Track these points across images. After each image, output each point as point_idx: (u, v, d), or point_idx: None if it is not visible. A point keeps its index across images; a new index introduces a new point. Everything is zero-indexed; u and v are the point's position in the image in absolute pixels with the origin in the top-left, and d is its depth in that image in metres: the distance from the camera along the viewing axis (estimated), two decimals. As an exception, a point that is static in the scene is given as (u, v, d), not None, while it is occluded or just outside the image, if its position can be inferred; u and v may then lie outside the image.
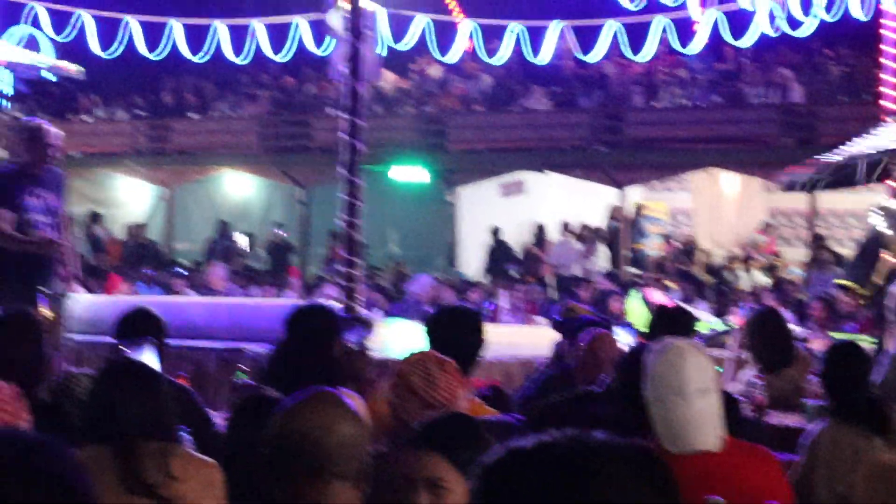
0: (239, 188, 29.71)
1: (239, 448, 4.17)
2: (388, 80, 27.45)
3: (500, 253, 25.02)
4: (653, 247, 24.80)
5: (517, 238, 25.95)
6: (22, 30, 29.87)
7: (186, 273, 20.89)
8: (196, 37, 21.72)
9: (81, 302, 11.07)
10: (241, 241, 27.06)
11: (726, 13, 20.48)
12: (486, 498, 1.79)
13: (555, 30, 22.85)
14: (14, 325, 5.21)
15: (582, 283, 20.59)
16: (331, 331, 6.33)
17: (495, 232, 25.25)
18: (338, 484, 3.14)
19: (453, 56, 23.68)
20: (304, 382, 3.50)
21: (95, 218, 27.36)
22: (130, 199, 30.41)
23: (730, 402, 4.81)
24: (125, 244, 26.68)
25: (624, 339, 7.39)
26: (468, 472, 3.49)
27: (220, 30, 21.21)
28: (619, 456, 1.78)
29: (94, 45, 19.70)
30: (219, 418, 6.33)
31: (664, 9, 19.98)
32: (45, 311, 7.03)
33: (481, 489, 1.81)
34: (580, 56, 23.62)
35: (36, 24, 19.22)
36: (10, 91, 32.09)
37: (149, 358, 5.54)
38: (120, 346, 5.84)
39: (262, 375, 6.07)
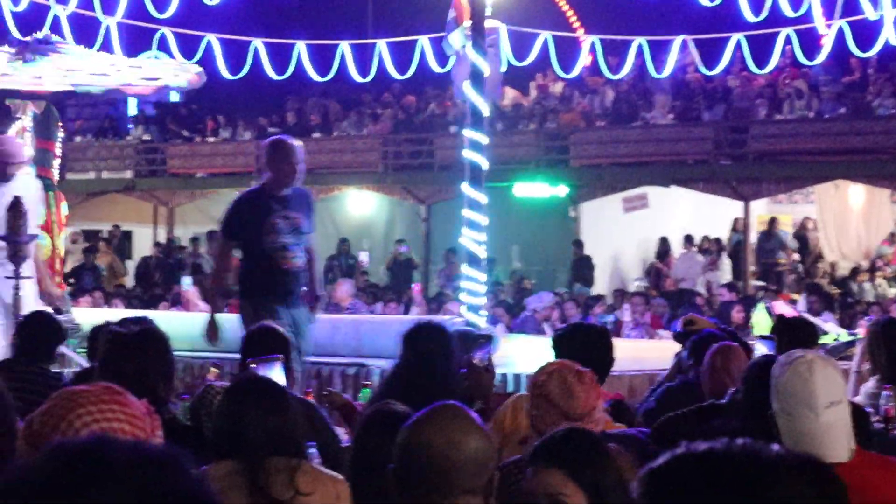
0: (361, 206, 29.93)
1: (366, 462, 4.20)
2: (510, 96, 27.50)
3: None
4: (779, 259, 24.51)
5: (640, 253, 25.82)
6: (149, 54, 30.50)
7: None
8: (321, 57, 21.94)
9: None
10: (363, 258, 27.25)
11: (851, 24, 20.18)
12: (653, 500, 1.79)
13: (678, 43, 22.71)
14: (145, 340, 5.29)
15: (704, 295, 20.45)
16: (448, 348, 6.33)
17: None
18: (466, 499, 3.15)
19: (575, 72, 23.63)
20: (424, 399, 3.52)
21: (214, 236, 27.69)
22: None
23: (859, 413, 4.75)
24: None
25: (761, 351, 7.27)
26: (588, 487, 3.49)
27: (345, 50, 21.41)
28: (792, 466, 1.77)
29: (221, 67, 20.00)
30: (344, 434, 6.39)
31: (788, 21, 19.75)
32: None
33: (648, 492, 1.81)
34: (703, 70, 23.44)
35: (164, 48, 19.58)
36: (134, 112, 32.79)
37: (276, 375, 5.60)
38: (248, 364, 5.91)
39: (384, 392, 6.11)
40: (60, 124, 12.95)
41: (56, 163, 12.58)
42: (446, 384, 5.71)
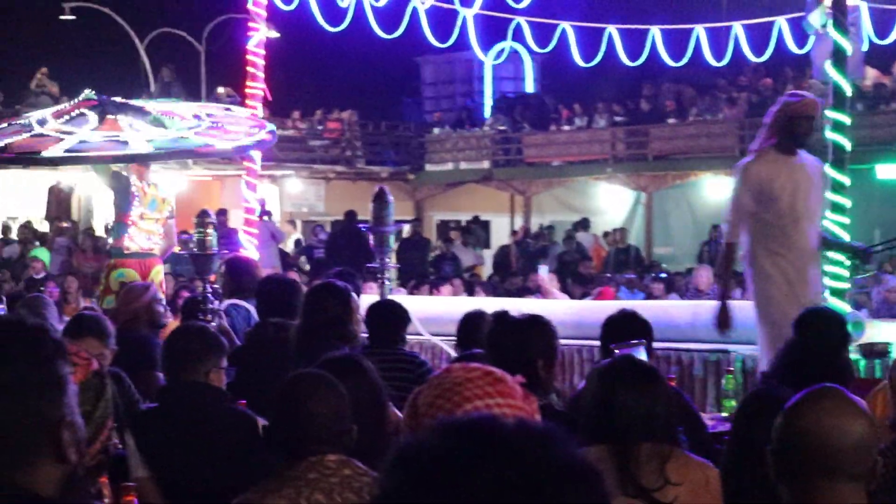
0: (717, 191, 29.53)
1: (744, 446, 4.12)
2: (871, 76, 26.56)
3: None
4: None
5: None
6: (504, 45, 30.95)
7: (666, 276, 20.94)
8: (675, 42, 21.75)
9: (565, 307, 11.29)
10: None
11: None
12: None
13: None
14: (530, 324, 5.37)
15: None
16: (843, 335, 6.21)
17: None
18: (850, 485, 3.05)
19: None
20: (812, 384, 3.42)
21: (581, 225, 27.85)
22: (610, 205, 30.83)
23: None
24: (608, 250, 27.07)
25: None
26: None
27: (700, 34, 21.16)
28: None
29: (575, 55, 20.09)
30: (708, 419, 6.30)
31: None
32: None
33: None
34: None
35: (519, 38, 19.81)
36: (490, 103, 33.32)
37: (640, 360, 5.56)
38: (612, 348, 5.90)
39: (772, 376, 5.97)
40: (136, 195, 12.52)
41: (132, 231, 12.21)
42: (837, 371, 5.53)
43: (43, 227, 25.27)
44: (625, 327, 6.38)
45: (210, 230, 9.40)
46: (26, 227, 22.55)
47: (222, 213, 22.54)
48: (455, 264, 25.10)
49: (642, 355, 5.79)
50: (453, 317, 8.14)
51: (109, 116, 11.87)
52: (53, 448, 2.41)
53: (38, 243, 21.56)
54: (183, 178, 28.99)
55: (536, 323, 5.42)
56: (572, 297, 17.69)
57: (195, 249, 9.52)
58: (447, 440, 1.67)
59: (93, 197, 28.51)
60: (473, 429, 1.68)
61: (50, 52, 30.57)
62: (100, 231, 25.15)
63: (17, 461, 2.38)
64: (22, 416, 2.39)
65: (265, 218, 22.96)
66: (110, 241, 12.79)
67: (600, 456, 4.17)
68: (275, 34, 27.88)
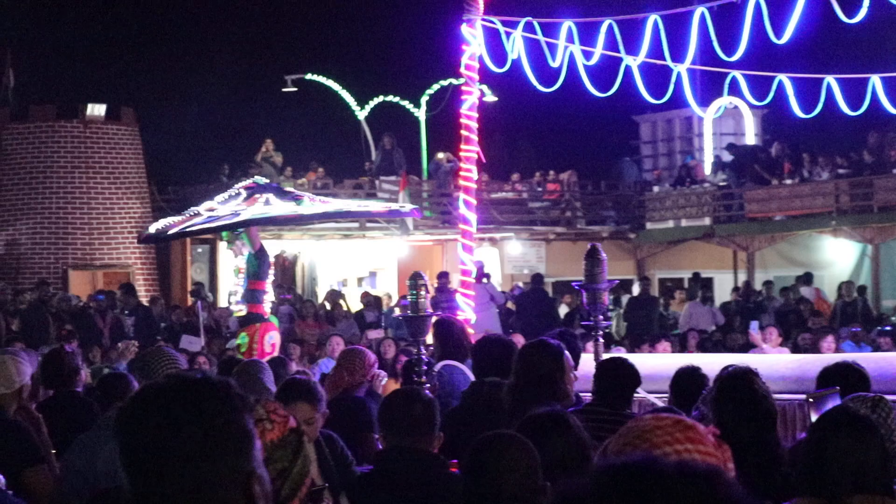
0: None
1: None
2: None
3: None
4: None
5: None
6: (723, 101, 30.63)
7: (894, 330, 20.32)
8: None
9: (786, 361, 11.04)
10: None
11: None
12: None
13: None
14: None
15: None
16: None
17: None
18: None
19: None
20: None
21: (803, 279, 27.25)
22: (835, 258, 30.15)
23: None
24: (835, 303, 26.40)
25: None
26: None
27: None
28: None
29: (794, 106, 19.74)
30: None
31: None
32: None
33: None
34: None
35: (735, 90, 19.58)
36: (711, 160, 32.95)
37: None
38: (807, 397, 5.73)
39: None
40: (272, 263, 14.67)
41: (267, 297, 14.12)
42: None
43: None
44: (840, 378, 6.19)
45: (422, 292, 9.47)
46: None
47: (443, 275, 22.75)
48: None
49: (836, 402, 5.60)
50: (668, 374, 8.03)
51: (256, 195, 13.67)
52: (245, 502, 2.44)
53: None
54: (404, 243, 29.42)
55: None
56: (797, 350, 17.31)
57: (409, 312, 9.60)
58: (605, 479, 1.66)
59: (316, 265, 29.13)
60: (632, 468, 1.67)
61: (273, 125, 31.49)
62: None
63: None
64: (221, 472, 2.42)
65: (484, 280, 23.08)
66: (243, 307, 13.97)
67: (812, 509, 4.05)
68: (493, 98, 28.28)
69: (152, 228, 15.07)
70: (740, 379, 5.46)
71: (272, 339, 13.85)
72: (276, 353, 13.01)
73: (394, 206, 15.43)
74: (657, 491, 1.62)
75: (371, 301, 24.87)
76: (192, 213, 14.36)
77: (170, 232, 14.34)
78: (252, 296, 13.92)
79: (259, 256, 13.97)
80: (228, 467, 2.43)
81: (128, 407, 2.47)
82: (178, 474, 2.39)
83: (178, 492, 2.39)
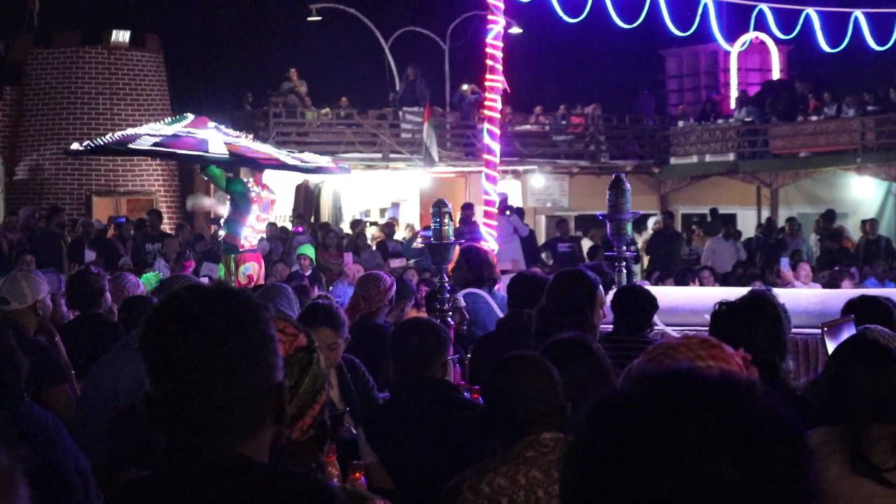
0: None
1: None
2: None
3: None
4: None
5: None
6: (750, 35, 30.38)
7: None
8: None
9: (808, 295, 11.01)
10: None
11: None
12: None
13: None
14: (754, 307, 5.27)
15: None
16: None
17: None
18: None
19: None
20: None
21: (825, 218, 27.17)
22: (859, 196, 30.01)
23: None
24: (858, 241, 26.32)
25: None
26: None
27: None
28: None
29: (820, 42, 19.61)
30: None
31: None
32: None
33: None
34: None
35: (763, 26, 19.42)
36: (736, 94, 32.77)
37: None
38: (821, 327, 5.73)
39: None
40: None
41: (247, 231, 14.07)
42: None
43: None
44: (864, 311, 6.19)
45: (446, 220, 9.44)
46: (273, 225, 23.09)
47: (468, 207, 22.70)
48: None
49: (851, 331, 5.60)
50: (695, 308, 8.01)
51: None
52: (276, 412, 2.45)
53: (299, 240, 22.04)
54: (427, 175, 29.37)
55: (759, 308, 5.29)
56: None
57: (432, 240, 9.56)
58: (647, 385, 1.64)
59: (341, 195, 29.10)
60: (675, 376, 1.64)
61: (297, 54, 31.37)
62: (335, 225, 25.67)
63: (255, 426, 2.42)
64: (258, 383, 2.43)
65: (507, 213, 23.04)
66: (222, 235, 14.06)
67: (832, 437, 4.07)
68: (517, 30, 28.11)
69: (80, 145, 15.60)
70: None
71: (248, 271, 13.91)
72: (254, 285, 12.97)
73: (322, 162, 15.84)
74: (701, 397, 1.61)
75: (391, 231, 24.86)
76: (133, 134, 14.66)
77: (99, 141, 14.73)
78: (231, 226, 14.00)
79: (246, 187, 14.07)
80: (263, 378, 2.43)
81: (157, 321, 2.44)
82: (217, 388, 2.38)
83: (216, 406, 2.38)
